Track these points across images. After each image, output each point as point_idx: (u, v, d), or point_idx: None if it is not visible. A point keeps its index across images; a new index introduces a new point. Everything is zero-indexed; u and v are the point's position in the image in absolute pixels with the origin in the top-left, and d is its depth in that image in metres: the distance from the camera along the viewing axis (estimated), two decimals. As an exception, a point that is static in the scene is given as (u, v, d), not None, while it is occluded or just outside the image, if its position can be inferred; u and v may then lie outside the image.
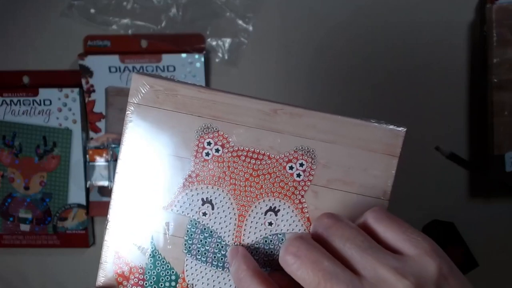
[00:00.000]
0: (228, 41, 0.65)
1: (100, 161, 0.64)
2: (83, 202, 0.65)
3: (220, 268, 0.34)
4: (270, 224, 0.33)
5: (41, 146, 0.64)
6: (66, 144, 0.64)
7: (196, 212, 0.34)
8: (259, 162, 0.33)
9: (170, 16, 0.65)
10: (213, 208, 0.33)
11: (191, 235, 0.34)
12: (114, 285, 0.34)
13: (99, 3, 0.64)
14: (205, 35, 0.65)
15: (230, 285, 0.34)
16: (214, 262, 0.34)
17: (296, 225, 0.33)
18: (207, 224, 0.34)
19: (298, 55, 0.65)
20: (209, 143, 0.33)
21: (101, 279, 0.34)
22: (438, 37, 0.65)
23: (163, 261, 0.34)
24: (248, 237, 0.34)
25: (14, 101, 0.64)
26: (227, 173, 0.33)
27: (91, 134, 0.65)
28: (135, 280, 0.34)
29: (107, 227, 0.34)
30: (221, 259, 0.34)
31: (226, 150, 0.33)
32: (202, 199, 0.34)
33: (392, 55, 0.65)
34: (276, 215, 0.33)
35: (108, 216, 0.34)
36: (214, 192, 0.33)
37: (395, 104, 0.65)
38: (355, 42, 0.65)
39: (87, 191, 0.65)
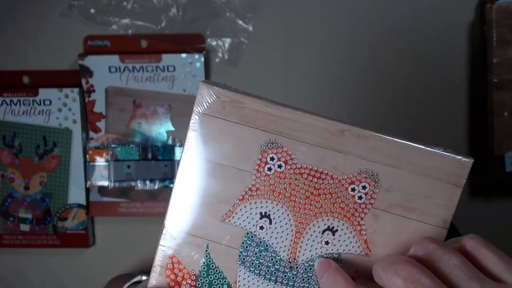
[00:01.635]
0: (228, 41, 0.65)
1: (100, 161, 0.64)
2: (83, 202, 0.65)
3: (272, 282, 0.34)
4: (327, 243, 0.33)
5: (41, 146, 0.64)
6: (66, 144, 0.64)
7: (254, 225, 0.34)
8: (321, 181, 0.33)
9: (170, 16, 0.65)
10: (270, 223, 0.34)
11: (247, 247, 0.34)
12: None
13: (99, 3, 0.64)
14: (205, 35, 0.65)
15: None
16: (267, 276, 0.34)
17: (353, 246, 0.33)
18: (263, 238, 0.34)
19: (298, 55, 0.65)
20: (272, 159, 0.33)
21: (153, 281, 0.35)
22: (438, 37, 0.65)
23: (217, 270, 0.34)
24: (303, 254, 0.34)
25: (14, 101, 0.64)
26: (287, 189, 0.33)
27: (91, 134, 0.65)
28: (187, 286, 0.34)
29: (163, 232, 0.34)
30: (274, 273, 0.34)
31: (289, 167, 0.33)
32: (261, 213, 0.34)
33: (392, 55, 0.65)
34: (333, 234, 0.33)
35: (164, 221, 0.34)
36: (273, 207, 0.33)
37: (395, 104, 0.65)
38: (355, 42, 0.65)
39: (87, 191, 0.65)
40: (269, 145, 0.33)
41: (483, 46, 0.62)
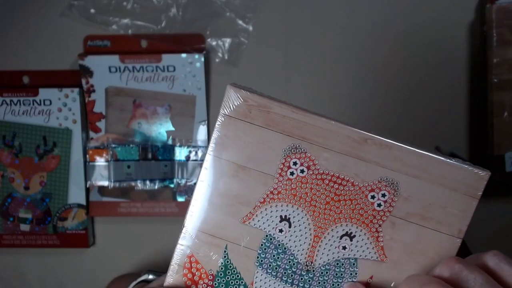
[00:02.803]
0: (228, 41, 0.65)
1: (100, 161, 0.64)
2: (83, 202, 0.65)
3: (289, 284, 0.35)
4: (344, 248, 0.34)
5: (41, 146, 0.64)
6: (66, 144, 0.64)
7: (273, 228, 0.34)
8: (342, 188, 0.34)
9: (170, 16, 0.65)
10: (290, 226, 0.34)
11: (265, 249, 0.34)
12: None
13: (99, 3, 0.64)
14: (205, 35, 0.65)
15: None
16: (284, 278, 0.34)
17: (369, 252, 0.34)
18: (282, 240, 0.34)
19: (298, 55, 0.65)
20: (295, 163, 0.34)
21: (170, 279, 0.35)
22: (438, 37, 0.65)
23: (234, 271, 0.35)
24: (320, 258, 0.34)
25: (14, 101, 0.64)
26: (308, 194, 0.34)
27: (91, 134, 0.65)
28: (204, 285, 0.35)
29: (183, 231, 0.34)
30: (291, 275, 0.34)
31: (311, 172, 0.34)
32: (281, 216, 0.34)
33: (392, 55, 0.65)
34: (351, 240, 0.34)
35: (184, 221, 0.35)
36: (293, 211, 0.34)
37: (395, 104, 0.65)
38: (355, 42, 0.65)
39: (87, 191, 0.65)
40: (292, 150, 0.34)
41: (483, 46, 0.62)
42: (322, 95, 0.66)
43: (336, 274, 0.34)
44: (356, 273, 0.34)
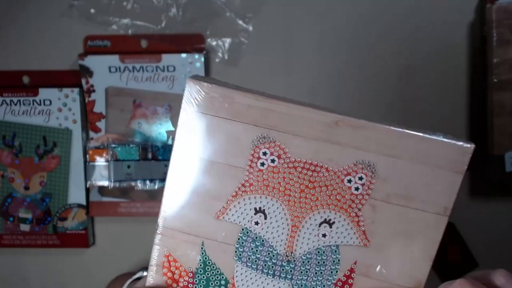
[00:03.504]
0: (228, 41, 0.65)
1: (100, 161, 0.64)
2: (83, 202, 0.65)
3: (270, 276, 0.34)
4: (324, 235, 0.33)
5: (41, 146, 0.64)
6: (66, 144, 0.64)
7: (248, 221, 0.33)
8: (316, 174, 0.32)
9: (170, 16, 0.65)
10: (265, 218, 0.33)
11: (242, 243, 0.34)
12: (163, 287, 0.34)
13: (99, 3, 0.64)
14: (205, 35, 0.65)
15: None
16: (264, 270, 0.34)
17: (351, 238, 0.33)
18: (259, 233, 0.33)
19: (298, 54, 0.65)
20: (264, 153, 0.33)
21: (150, 280, 0.34)
22: (438, 37, 0.65)
23: (213, 267, 0.34)
24: (300, 247, 0.33)
25: (14, 101, 0.64)
26: (282, 183, 0.33)
27: (91, 134, 0.65)
28: (185, 283, 0.34)
29: (158, 231, 0.34)
30: (272, 267, 0.34)
31: (283, 161, 0.33)
32: (255, 209, 0.33)
33: (392, 55, 0.65)
34: (330, 227, 0.33)
35: (158, 220, 0.34)
36: (267, 202, 0.33)
37: (395, 104, 0.65)
38: (355, 42, 0.65)
39: (87, 191, 0.65)
40: (261, 140, 0.32)
41: (483, 46, 0.62)
42: (322, 94, 0.66)
43: (318, 263, 0.33)
44: (338, 260, 0.33)
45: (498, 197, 0.66)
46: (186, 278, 0.34)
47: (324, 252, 0.33)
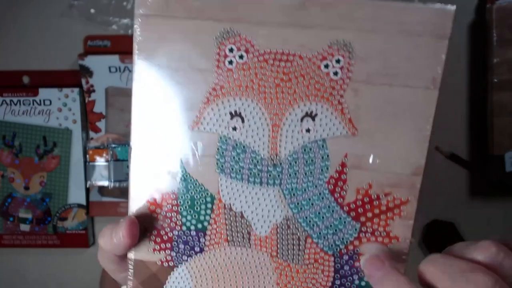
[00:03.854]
0: None
1: (100, 161, 0.64)
2: (83, 202, 0.65)
3: (257, 184, 0.31)
4: (308, 131, 0.30)
5: (41, 146, 0.64)
6: (66, 144, 0.64)
7: (225, 127, 0.31)
8: (289, 64, 0.30)
9: (170, 16, 0.65)
10: (243, 121, 0.31)
11: (223, 152, 0.31)
12: (147, 214, 0.32)
13: (99, 3, 0.64)
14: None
15: (270, 200, 0.31)
16: (250, 179, 0.31)
17: (337, 129, 0.30)
18: (239, 139, 0.31)
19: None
20: (231, 50, 0.30)
21: (132, 209, 0.32)
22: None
23: (196, 184, 0.31)
24: (285, 148, 0.31)
25: (14, 101, 0.64)
26: (254, 80, 0.30)
27: (91, 134, 0.65)
28: (169, 206, 0.32)
29: (131, 155, 0.31)
30: (258, 174, 0.31)
31: (251, 55, 0.30)
32: (230, 113, 0.31)
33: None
34: (313, 120, 0.30)
35: (130, 143, 0.32)
36: (242, 104, 0.30)
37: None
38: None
39: (87, 191, 0.65)
40: (225, 35, 0.30)
41: (483, 46, 0.62)
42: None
43: (306, 162, 0.31)
44: (327, 155, 0.31)
45: (498, 197, 0.66)
46: (170, 201, 0.32)
47: (310, 149, 0.31)
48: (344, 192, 0.31)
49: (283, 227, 0.32)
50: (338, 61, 0.30)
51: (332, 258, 0.32)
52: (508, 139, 0.61)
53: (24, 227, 0.66)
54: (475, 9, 0.64)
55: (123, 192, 0.66)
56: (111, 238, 0.31)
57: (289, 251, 0.32)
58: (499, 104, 0.60)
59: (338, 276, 0.32)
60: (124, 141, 0.64)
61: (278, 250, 0.32)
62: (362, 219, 0.31)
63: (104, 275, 0.59)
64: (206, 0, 0.29)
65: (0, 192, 0.65)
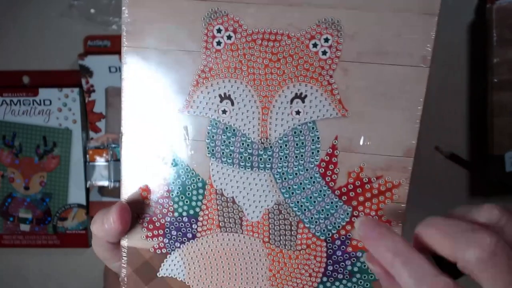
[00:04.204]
0: None
1: (100, 161, 0.64)
2: (83, 202, 0.65)
3: (248, 168, 0.31)
4: (298, 113, 0.30)
5: (41, 146, 0.64)
6: (66, 144, 0.64)
7: (215, 110, 0.30)
8: (277, 44, 0.29)
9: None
10: (232, 104, 0.30)
11: (213, 136, 0.31)
12: (139, 200, 0.32)
13: (99, 3, 0.64)
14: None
15: (262, 185, 0.31)
16: (241, 163, 0.31)
17: (327, 110, 0.30)
18: (229, 122, 0.30)
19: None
20: (219, 30, 0.30)
21: (124, 196, 0.32)
22: (438, 37, 0.65)
23: (187, 169, 0.31)
24: (275, 131, 0.30)
25: (14, 101, 0.64)
26: (243, 62, 0.30)
27: (91, 134, 0.65)
28: (161, 192, 0.32)
29: (122, 140, 0.31)
30: (248, 158, 0.31)
31: (240, 36, 0.30)
32: (220, 95, 0.30)
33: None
34: (303, 102, 0.30)
35: (121, 128, 0.31)
36: (231, 86, 0.30)
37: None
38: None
39: (87, 191, 0.65)
40: (212, 16, 0.30)
41: (483, 46, 0.62)
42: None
43: (297, 145, 0.31)
44: (318, 138, 0.30)
45: (498, 197, 0.66)
46: (161, 187, 0.32)
47: (301, 131, 0.30)
48: (336, 176, 0.31)
49: (275, 212, 0.31)
50: (326, 40, 0.29)
51: (324, 244, 0.32)
52: (508, 139, 0.61)
53: (24, 227, 0.66)
54: (475, 9, 0.64)
55: (123, 192, 0.66)
56: (103, 224, 0.32)
57: (281, 237, 0.32)
58: (499, 104, 0.60)
59: (331, 262, 0.32)
60: (124, 141, 0.64)
61: (270, 236, 0.32)
62: (354, 203, 0.31)
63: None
64: None
65: (0, 192, 0.65)
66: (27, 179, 0.65)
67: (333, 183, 0.31)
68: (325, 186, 0.31)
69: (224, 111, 0.31)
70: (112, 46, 0.65)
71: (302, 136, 0.31)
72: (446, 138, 0.66)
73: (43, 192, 0.65)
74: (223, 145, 0.31)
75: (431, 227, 0.27)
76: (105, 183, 0.64)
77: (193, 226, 0.32)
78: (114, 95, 0.65)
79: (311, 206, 0.31)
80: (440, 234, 0.26)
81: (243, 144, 0.31)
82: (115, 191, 0.65)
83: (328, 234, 0.31)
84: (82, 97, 0.64)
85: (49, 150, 0.65)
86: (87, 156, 0.64)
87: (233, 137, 0.31)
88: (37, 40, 0.66)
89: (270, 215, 0.32)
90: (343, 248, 0.32)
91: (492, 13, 0.59)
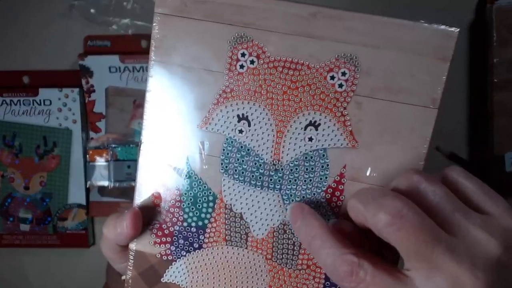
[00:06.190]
0: None
1: (100, 161, 0.64)
2: (83, 202, 0.65)
3: (258, 187, 0.32)
4: (311, 139, 0.31)
5: (41, 146, 0.64)
6: (66, 144, 0.65)
7: (232, 129, 0.32)
8: (297, 73, 0.31)
9: (170, 16, 0.65)
10: (249, 125, 0.32)
11: (228, 153, 0.32)
12: (151, 207, 0.33)
13: (99, 3, 0.64)
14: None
15: (270, 204, 0.32)
16: (252, 181, 0.32)
17: (338, 140, 0.31)
18: (244, 142, 0.32)
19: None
20: (243, 54, 0.31)
21: (137, 201, 0.33)
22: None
23: (200, 182, 0.33)
24: (287, 154, 0.32)
25: (14, 101, 0.64)
26: (263, 86, 0.31)
27: (91, 134, 0.65)
28: (172, 202, 0.33)
29: (141, 148, 0.33)
30: (259, 178, 0.32)
31: (262, 61, 0.31)
32: (238, 116, 0.32)
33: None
34: (316, 129, 0.31)
35: (141, 137, 0.33)
36: (250, 108, 0.31)
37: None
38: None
39: (87, 191, 0.65)
40: (238, 40, 0.31)
41: (483, 46, 0.62)
42: None
43: (307, 169, 0.32)
44: (327, 165, 0.32)
45: (498, 197, 0.66)
46: (173, 196, 0.33)
47: (312, 157, 0.32)
48: (341, 203, 0.32)
49: (280, 231, 0.33)
50: (343, 74, 0.31)
51: None
52: (508, 139, 0.61)
53: (24, 227, 0.66)
54: (475, 9, 0.64)
55: (123, 192, 0.66)
56: (115, 227, 0.33)
57: (283, 255, 0.33)
58: (499, 104, 0.60)
59: (328, 284, 0.33)
60: (124, 141, 0.64)
61: (273, 253, 0.33)
62: None
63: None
64: (221, 3, 0.31)
65: (0, 192, 0.65)
66: (27, 179, 0.65)
67: (337, 209, 0.32)
68: (329, 212, 0.32)
69: (240, 131, 0.32)
70: (112, 46, 0.65)
71: (312, 161, 0.32)
72: (446, 138, 0.66)
73: (43, 192, 0.65)
74: (236, 163, 0.32)
75: (353, 197, 0.28)
76: (105, 183, 0.64)
77: (200, 237, 0.33)
78: (114, 95, 0.65)
79: None
80: (357, 201, 0.28)
81: (255, 163, 0.32)
82: (115, 191, 0.65)
83: None
84: (82, 97, 0.64)
85: (49, 150, 0.65)
86: (87, 156, 0.64)
87: (246, 156, 0.32)
88: (37, 40, 0.66)
89: (275, 233, 0.33)
90: None
91: (492, 13, 0.60)
